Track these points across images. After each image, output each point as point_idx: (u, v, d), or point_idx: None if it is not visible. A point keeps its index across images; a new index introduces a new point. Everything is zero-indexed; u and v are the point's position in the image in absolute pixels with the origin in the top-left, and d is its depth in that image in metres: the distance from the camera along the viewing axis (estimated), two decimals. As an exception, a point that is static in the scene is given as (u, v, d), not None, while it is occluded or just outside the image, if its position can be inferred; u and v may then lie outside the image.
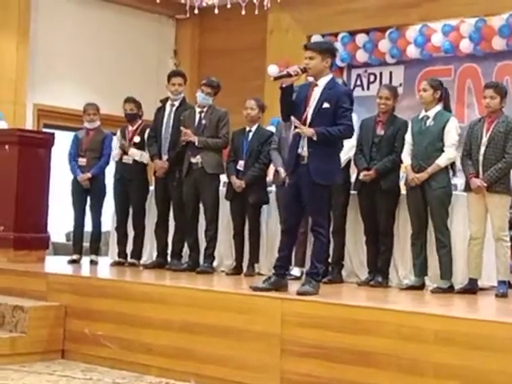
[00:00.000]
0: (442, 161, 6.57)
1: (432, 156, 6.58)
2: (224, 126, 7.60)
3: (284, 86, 5.87)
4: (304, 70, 5.89)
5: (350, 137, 6.15)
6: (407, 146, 6.78)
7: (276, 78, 5.92)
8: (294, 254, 6.80)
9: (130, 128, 8.28)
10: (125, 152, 8.18)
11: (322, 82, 5.94)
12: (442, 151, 6.59)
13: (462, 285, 6.54)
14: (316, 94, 5.92)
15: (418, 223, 6.69)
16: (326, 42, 5.87)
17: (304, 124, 5.87)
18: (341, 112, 5.88)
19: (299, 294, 5.69)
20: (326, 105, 5.87)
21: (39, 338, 6.54)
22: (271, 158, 7.43)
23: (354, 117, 7.15)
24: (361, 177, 6.92)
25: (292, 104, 5.96)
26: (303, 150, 5.87)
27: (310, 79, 6.10)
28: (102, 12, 12.09)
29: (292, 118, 5.99)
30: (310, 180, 5.83)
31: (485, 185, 6.32)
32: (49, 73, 11.44)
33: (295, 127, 5.90)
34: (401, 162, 6.89)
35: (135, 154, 8.15)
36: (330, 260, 7.17)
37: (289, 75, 5.84)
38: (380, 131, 6.97)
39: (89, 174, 8.20)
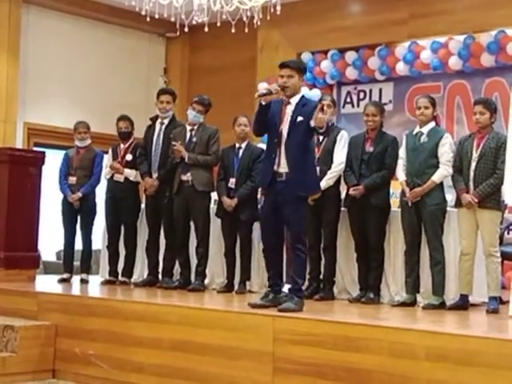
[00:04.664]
0: (437, 177, 6.59)
1: (425, 172, 6.61)
2: (214, 144, 7.62)
3: (264, 103, 6.00)
4: (282, 88, 6.01)
5: None
6: (401, 161, 6.80)
7: (260, 96, 6.02)
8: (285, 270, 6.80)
9: (122, 146, 8.27)
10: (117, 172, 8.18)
11: (295, 99, 6.07)
12: (436, 168, 6.62)
13: (454, 301, 6.55)
14: (289, 111, 6.06)
15: (411, 239, 6.69)
16: (301, 60, 6.04)
17: (279, 140, 6.00)
18: None
19: (280, 310, 5.69)
20: (300, 118, 5.99)
21: (30, 357, 6.52)
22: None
23: (344, 134, 7.22)
24: (350, 192, 6.95)
25: (267, 121, 6.10)
26: (280, 167, 5.96)
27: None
28: (93, 31, 12.08)
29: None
30: (290, 194, 5.89)
31: (476, 200, 6.34)
32: (39, 91, 11.43)
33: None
34: (391, 178, 6.93)
35: (130, 174, 8.14)
36: (321, 277, 7.18)
37: (270, 93, 5.98)
38: (369, 148, 6.99)
39: (79, 194, 8.19)
